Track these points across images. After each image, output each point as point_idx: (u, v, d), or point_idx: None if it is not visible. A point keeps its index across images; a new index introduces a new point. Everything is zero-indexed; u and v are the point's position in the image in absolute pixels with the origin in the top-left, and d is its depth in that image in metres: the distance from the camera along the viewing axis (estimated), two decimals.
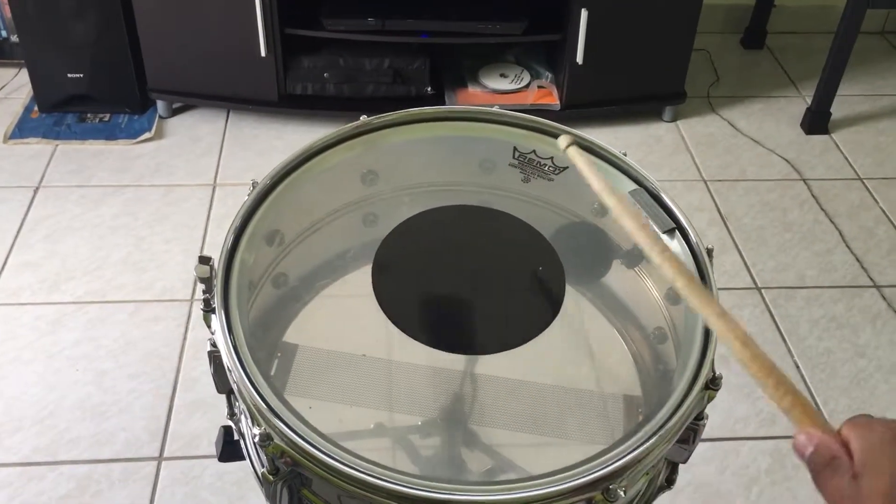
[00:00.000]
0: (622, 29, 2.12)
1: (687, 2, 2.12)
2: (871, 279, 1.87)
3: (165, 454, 1.48)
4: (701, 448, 1.48)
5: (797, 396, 0.59)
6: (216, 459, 1.41)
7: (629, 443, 0.70)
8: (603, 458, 0.69)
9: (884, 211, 2.06)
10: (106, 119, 2.22)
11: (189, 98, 2.24)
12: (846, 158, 2.23)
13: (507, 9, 2.13)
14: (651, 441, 0.70)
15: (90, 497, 1.40)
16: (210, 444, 1.49)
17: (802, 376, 1.65)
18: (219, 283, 0.77)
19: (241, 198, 0.87)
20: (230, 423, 0.91)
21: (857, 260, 1.92)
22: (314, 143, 0.91)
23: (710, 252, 0.84)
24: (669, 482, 0.87)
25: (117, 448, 1.48)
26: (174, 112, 2.26)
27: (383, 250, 0.89)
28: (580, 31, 2.06)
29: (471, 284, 0.90)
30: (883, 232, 2.00)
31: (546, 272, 0.89)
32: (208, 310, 0.78)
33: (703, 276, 0.83)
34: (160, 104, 2.23)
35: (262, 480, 0.74)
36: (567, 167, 0.96)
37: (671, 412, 0.72)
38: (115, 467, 1.45)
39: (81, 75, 2.15)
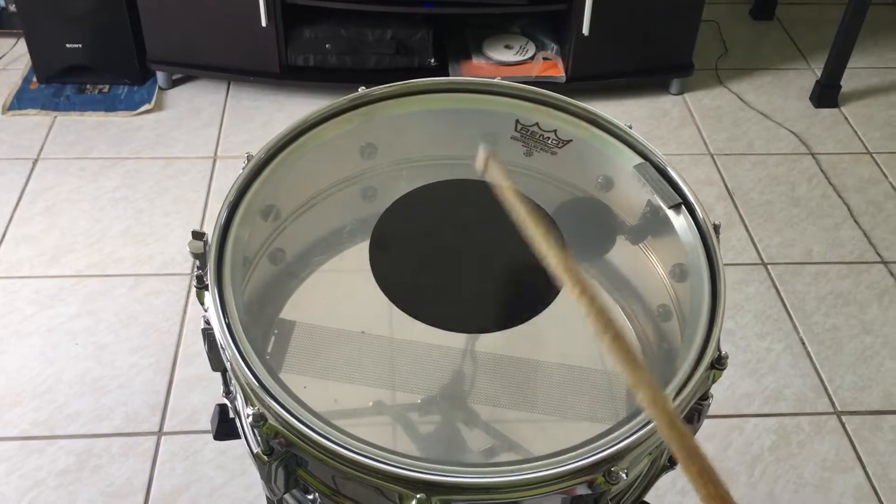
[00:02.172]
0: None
1: None
2: (879, 255, 1.85)
3: (165, 429, 1.47)
4: (703, 425, 1.47)
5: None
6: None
7: (631, 424, 0.68)
8: (604, 440, 0.67)
9: (893, 186, 2.03)
10: (105, 90, 2.19)
11: (189, 69, 2.21)
12: (856, 132, 2.19)
13: None
14: (651, 425, 0.68)
15: (89, 472, 1.40)
16: (210, 419, 1.48)
17: (808, 353, 1.64)
18: (212, 260, 0.75)
19: (241, 171, 0.85)
20: (226, 401, 0.90)
21: (865, 235, 1.89)
22: (310, 116, 0.89)
23: (717, 228, 0.82)
24: (672, 462, 0.85)
25: (117, 423, 1.47)
26: (174, 83, 2.23)
27: (381, 226, 0.87)
28: (587, 2, 2.02)
29: (471, 261, 0.88)
30: (892, 207, 1.97)
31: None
32: (201, 286, 0.76)
33: (710, 253, 0.80)
34: (160, 75, 2.20)
35: (257, 460, 0.73)
36: (571, 140, 0.93)
37: (675, 392, 0.70)
38: (114, 442, 1.45)
39: (80, 46, 2.12)
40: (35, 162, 1.99)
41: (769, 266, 1.81)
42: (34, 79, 2.20)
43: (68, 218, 1.85)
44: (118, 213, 1.87)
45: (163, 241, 1.80)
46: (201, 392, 1.52)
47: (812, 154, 2.12)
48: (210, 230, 0.80)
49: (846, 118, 2.24)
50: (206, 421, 1.48)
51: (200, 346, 1.60)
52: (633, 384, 0.61)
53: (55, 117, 2.11)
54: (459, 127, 0.96)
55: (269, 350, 0.81)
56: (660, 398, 0.60)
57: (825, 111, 2.26)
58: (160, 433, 1.46)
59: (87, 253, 1.77)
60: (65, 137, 2.06)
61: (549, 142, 0.93)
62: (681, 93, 2.28)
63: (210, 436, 1.46)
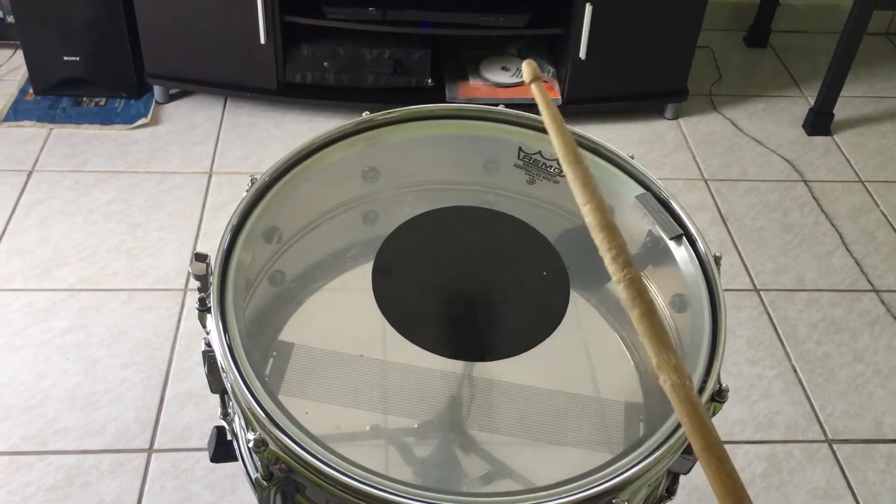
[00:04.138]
0: (626, 24, 2.09)
1: None
2: (871, 283, 1.86)
3: (156, 446, 1.46)
4: None
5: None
6: (206, 452, 1.40)
7: (632, 455, 0.69)
8: (606, 471, 0.68)
9: (884, 214, 2.05)
10: (102, 103, 2.19)
11: (186, 84, 2.21)
12: (848, 160, 2.21)
13: (510, 1, 2.10)
14: (655, 455, 0.68)
15: (78, 488, 1.39)
16: (201, 437, 1.48)
17: (800, 380, 1.64)
18: (215, 284, 0.75)
19: (237, 187, 0.85)
20: (223, 423, 0.89)
21: (857, 263, 1.91)
22: (315, 139, 0.89)
23: (717, 260, 0.83)
24: (670, 493, 0.85)
25: (107, 439, 1.46)
26: (171, 98, 2.23)
27: (384, 251, 0.87)
28: (584, 26, 2.03)
29: (473, 288, 0.88)
30: (883, 236, 1.99)
31: (550, 276, 0.87)
32: (204, 309, 0.76)
33: (711, 285, 0.81)
34: (157, 89, 2.20)
35: (256, 485, 0.72)
36: None
37: (675, 425, 0.70)
38: (104, 458, 1.43)
39: (78, 58, 2.12)
40: (30, 174, 1.98)
41: (762, 292, 1.82)
42: (31, 90, 2.19)
43: (62, 231, 1.84)
44: (112, 226, 1.86)
45: (157, 256, 1.80)
46: (193, 409, 1.52)
47: (805, 181, 2.13)
48: (207, 249, 0.80)
49: (838, 146, 2.26)
50: (197, 438, 1.47)
51: (193, 363, 1.60)
52: (657, 365, 0.57)
53: (51, 129, 2.11)
54: (463, 153, 0.97)
55: (267, 372, 0.81)
56: (683, 384, 0.56)
57: (818, 139, 2.28)
58: (151, 450, 1.45)
59: (81, 267, 1.76)
60: (60, 150, 2.05)
61: (552, 170, 0.93)
62: (676, 118, 2.30)
63: (200, 454, 1.46)
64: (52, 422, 1.48)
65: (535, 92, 0.74)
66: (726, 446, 1.60)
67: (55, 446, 1.45)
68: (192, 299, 1.71)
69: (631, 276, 0.59)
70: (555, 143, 0.69)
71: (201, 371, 1.62)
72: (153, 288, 1.73)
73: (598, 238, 0.61)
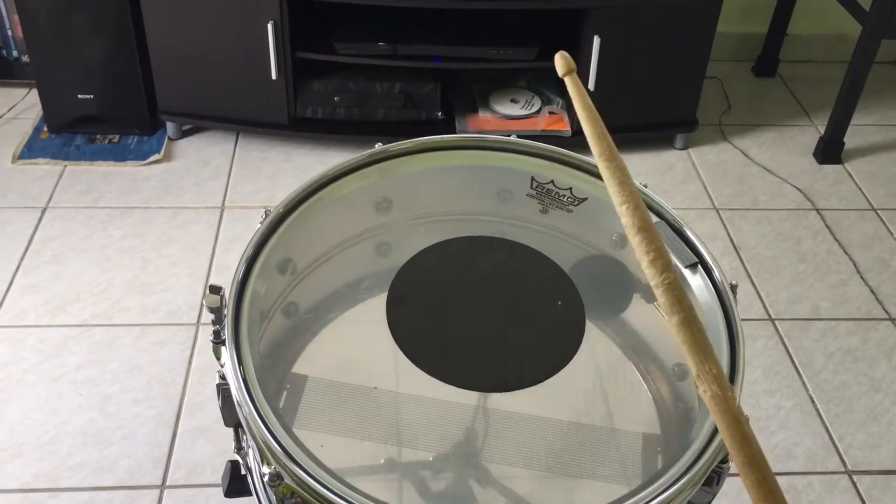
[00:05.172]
0: (634, 56, 2.11)
1: (700, 29, 2.11)
2: (887, 312, 1.85)
3: (168, 482, 1.45)
4: None
5: None
6: (219, 489, 1.38)
7: (654, 486, 0.68)
8: (629, 503, 0.67)
9: None
10: (115, 140, 2.21)
11: (199, 120, 2.23)
12: (860, 188, 2.21)
13: (518, 34, 2.12)
14: (676, 486, 0.67)
15: None
16: (214, 472, 1.47)
17: (818, 410, 1.62)
18: (230, 316, 0.75)
19: (249, 221, 0.86)
20: (237, 457, 0.89)
21: (872, 292, 1.89)
22: (328, 171, 0.90)
23: (734, 288, 0.82)
24: None
25: (120, 475, 1.45)
26: (183, 134, 2.25)
27: (398, 282, 0.87)
28: (592, 58, 2.05)
29: (487, 318, 0.88)
30: None
31: (565, 307, 0.87)
32: (218, 341, 0.76)
33: (727, 313, 0.80)
34: (170, 126, 2.23)
35: None
36: (586, 198, 0.94)
37: (696, 456, 0.70)
38: (117, 495, 1.42)
39: (92, 96, 2.15)
40: (44, 211, 1.99)
41: (776, 322, 1.81)
42: (45, 128, 2.22)
43: (75, 267, 1.85)
44: (125, 262, 1.87)
45: (169, 291, 1.80)
46: (205, 444, 1.51)
47: (817, 210, 2.13)
48: (221, 281, 0.80)
49: (850, 174, 2.26)
50: (209, 474, 1.46)
51: (205, 398, 1.60)
52: (697, 375, 0.54)
53: (65, 166, 2.13)
54: (476, 183, 0.97)
55: (281, 405, 0.81)
56: (725, 395, 0.54)
57: (829, 167, 2.28)
58: (163, 486, 1.44)
59: (94, 302, 1.77)
60: (74, 187, 2.07)
61: (565, 199, 0.93)
62: (685, 148, 2.30)
63: (213, 490, 1.45)
64: (65, 458, 1.47)
65: (569, 84, 0.72)
66: None
67: (68, 483, 1.44)
68: (205, 334, 1.70)
69: (670, 281, 0.56)
70: (589, 138, 0.67)
71: (213, 406, 1.61)
72: (166, 323, 1.73)
73: (636, 241, 0.59)
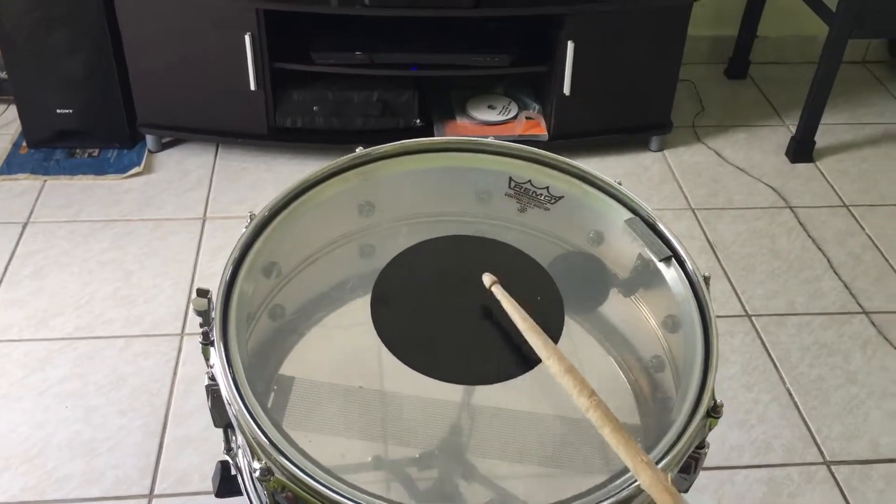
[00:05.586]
0: (608, 60, 2.14)
1: (672, 33, 2.15)
2: (860, 305, 1.88)
3: (156, 492, 1.46)
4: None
5: None
6: (207, 496, 1.40)
7: (631, 472, 0.70)
8: (606, 489, 0.69)
9: (870, 237, 2.08)
10: (95, 154, 2.21)
11: (178, 132, 2.24)
12: (831, 186, 2.25)
13: (494, 41, 2.15)
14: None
15: None
16: (201, 480, 1.48)
17: (796, 403, 1.66)
18: (218, 315, 0.77)
19: (231, 231, 0.87)
20: (227, 457, 0.90)
21: (846, 286, 1.93)
22: (311, 176, 0.92)
23: (706, 280, 0.85)
24: None
25: (107, 486, 1.46)
26: (163, 146, 2.26)
27: (381, 281, 0.89)
28: (567, 63, 2.08)
29: (469, 314, 0.90)
30: (870, 258, 2.02)
31: (544, 301, 0.89)
32: (207, 343, 0.78)
33: (701, 304, 0.83)
34: (149, 139, 2.23)
35: None
36: (563, 196, 0.96)
37: (674, 441, 0.72)
38: None
39: (71, 111, 2.15)
40: (25, 226, 1.99)
41: (753, 318, 1.84)
42: (24, 143, 2.22)
43: (57, 281, 1.85)
44: (107, 275, 1.87)
45: (152, 302, 1.81)
46: (192, 453, 1.51)
47: (790, 207, 2.17)
48: (207, 286, 0.81)
49: (821, 172, 2.30)
50: (197, 482, 1.47)
51: (191, 407, 1.61)
52: (634, 468, 0.67)
53: (45, 181, 2.13)
54: (455, 185, 0.99)
55: (268, 406, 0.82)
56: (658, 476, 0.66)
57: (801, 166, 2.32)
58: (151, 496, 1.45)
59: (77, 315, 1.77)
60: (55, 201, 2.07)
61: (542, 198, 0.96)
62: (660, 150, 2.34)
63: (202, 498, 1.45)
64: (52, 471, 1.48)
65: (497, 295, 0.86)
66: (725, 472, 1.60)
67: (55, 495, 1.44)
68: (189, 344, 1.71)
69: (596, 402, 0.72)
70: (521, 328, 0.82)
71: (200, 415, 1.63)
72: (150, 334, 1.74)
73: (564, 381, 0.76)
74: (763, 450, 1.57)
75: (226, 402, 0.74)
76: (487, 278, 0.87)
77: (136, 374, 1.65)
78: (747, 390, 1.68)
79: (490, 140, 0.98)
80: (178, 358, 1.69)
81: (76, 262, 1.90)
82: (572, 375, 0.75)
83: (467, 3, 1.98)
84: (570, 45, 2.05)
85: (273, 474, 0.69)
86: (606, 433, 0.70)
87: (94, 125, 2.19)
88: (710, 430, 0.77)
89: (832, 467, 1.55)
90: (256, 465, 0.68)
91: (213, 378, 0.77)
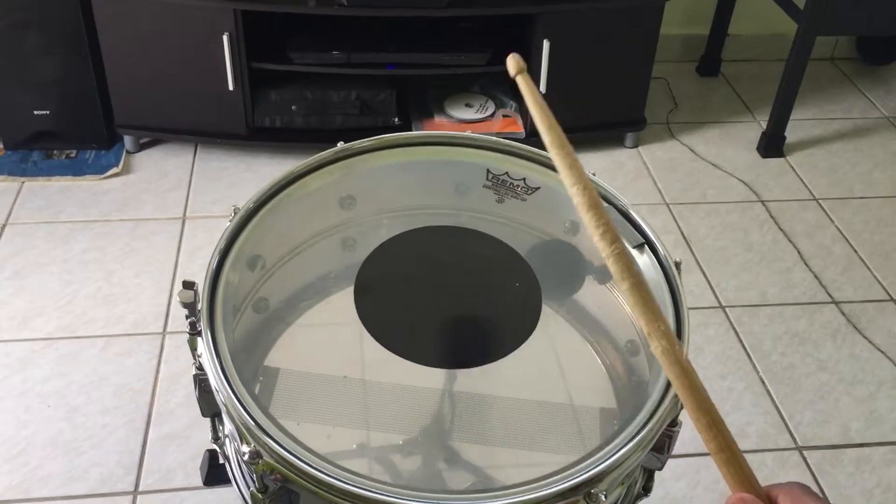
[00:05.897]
0: (583, 59, 2.18)
1: (645, 32, 2.19)
2: (830, 295, 1.93)
3: (141, 488, 1.47)
4: (672, 464, 1.51)
5: (734, 453, 0.59)
6: (192, 492, 1.42)
7: (609, 447, 0.73)
8: (584, 464, 0.71)
9: (839, 229, 2.13)
10: (72, 155, 2.21)
11: (156, 133, 2.25)
12: (801, 180, 2.30)
13: (471, 40, 2.18)
14: (629, 446, 0.72)
15: None
16: (186, 477, 1.49)
17: (769, 391, 1.70)
18: (204, 304, 0.78)
19: (212, 231, 0.89)
20: (214, 446, 0.92)
21: (816, 277, 1.98)
22: (294, 169, 0.94)
23: (678, 265, 0.88)
24: (646, 490, 0.89)
25: (91, 483, 1.47)
26: (141, 147, 2.27)
27: (364, 272, 0.91)
28: (543, 61, 2.11)
29: (450, 302, 0.92)
30: (839, 250, 2.07)
31: (522, 289, 0.92)
32: (194, 333, 0.79)
33: (672, 288, 0.86)
34: (127, 139, 2.24)
35: (252, 501, 0.75)
36: (539, 187, 0.99)
37: (647, 417, 0.75)
38: (90, 503, 1.44)
39: (48, 112, 2.15)
40: (3, 227, 1.99)
41: (727, 309, 1.88)
42: (0, 145, 2.21)
43: (37, 281, 1.85)
44: (88, 275, 1.88)
45: (134, 302, 1.82)
46: (176, 450, 1.53)
47: (762, 201, 2.21)
48: (194, 279, 0.83)
49: (792, 167, 2.35)
50: (181, 478, 1.48)
51: (174, 405, 1.62)
52: (648, 333, 0.59)
53: (23, 183, 2.13)
54: (435, 177, 1.01)
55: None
56: (673, 348, 0.58)
57: (772, 161, 2.37)
58: (136, 492, 1.46)
59: (58, 315, 1.77)
60: (33, 202, 2.07)
61: (519, 189, 0.98)
62: (635, 146, 2.38)
63: (187, 493, 1.47)
64: (36, 469, 1.48)
65: (521, 84, 0.75)
66: (701, 458, 1.63)
67: (39, 493, 1.45)
68: (171, 342, 1.72)
69: (619, 251, 0.61)
70: (541, 131, 0.72)
71: (183, 412, 1.63)
72: (131, 333, 1.75)
73: (587, 217, 0.63)
74: (737, 436, 1.59)
75: (214, 389, 0.76)
76: (513, 64, 0.76)
77: (118, 372, 1.66)
78: (722, 379, 1.72)
79: (468, 134, 1.00)
80: (160, 356, 1.70)
81: (56, 262, 1.91)
82: (596, 213, 0.63)
83: (441, 3, 2.00)
84: (546, 44, 2.09)
85: (261, 457, 0.70)
86: (625, 289, 0.60)
87: (72, 126, 2.19)
88: (682, 408, 0.80)
89: (804, 452, 1.59)
90: (245, 448, 0.70)
91: (200, 368, 0.79)
